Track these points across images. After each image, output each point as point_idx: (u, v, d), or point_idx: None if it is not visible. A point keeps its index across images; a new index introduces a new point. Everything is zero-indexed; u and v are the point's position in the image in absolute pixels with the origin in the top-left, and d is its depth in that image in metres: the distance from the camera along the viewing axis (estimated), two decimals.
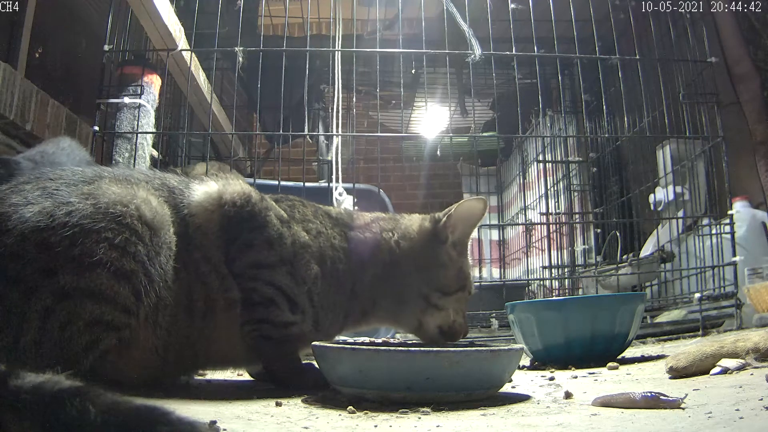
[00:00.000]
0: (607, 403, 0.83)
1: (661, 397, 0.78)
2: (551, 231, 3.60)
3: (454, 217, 1.18)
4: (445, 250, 1.19)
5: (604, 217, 3.69)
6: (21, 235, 0.87)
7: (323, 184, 2.70)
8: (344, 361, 0.94)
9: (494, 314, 2.38)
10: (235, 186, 1.11)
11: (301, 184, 2.28)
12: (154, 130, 2.28)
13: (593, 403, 0.85)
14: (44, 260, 0.87)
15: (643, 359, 1.51)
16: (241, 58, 2.24)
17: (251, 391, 1.13)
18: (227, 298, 1.06)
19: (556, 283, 3.71)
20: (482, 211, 1.19)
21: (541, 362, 1.52)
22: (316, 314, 1.14)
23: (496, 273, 4.62)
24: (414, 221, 1.23)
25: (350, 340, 2.20)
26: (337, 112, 2.57)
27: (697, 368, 1.08)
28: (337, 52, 2.69)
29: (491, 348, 1.02)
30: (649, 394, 0.79)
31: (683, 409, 0.77)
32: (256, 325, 1.08)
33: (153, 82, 2.28)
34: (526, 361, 1.59)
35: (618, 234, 3.24)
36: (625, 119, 2.64)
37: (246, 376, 1.38)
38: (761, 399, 0.76)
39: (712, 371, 1.06)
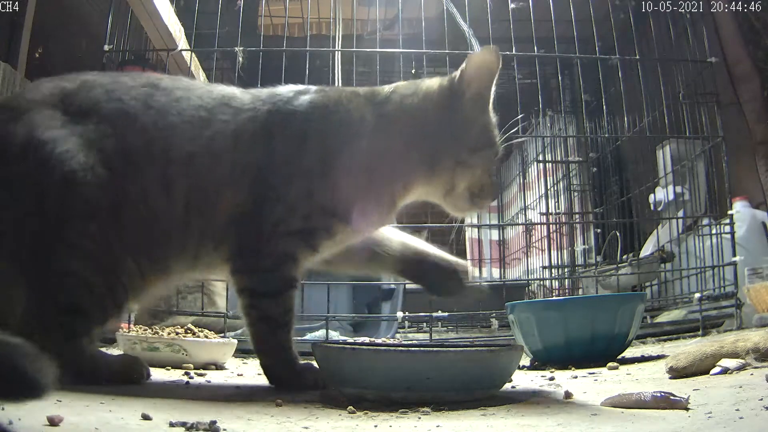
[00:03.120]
0: (617, 403, 0.82)
1: (671, 397, 0.78)
2: (551, 231, 3.60)
3: (468, 71, 1.18)
4: (463, 104, 1.18)
5: (604, 217, 3.69)
6: None
7: None
8: (344, 361, 0.94)
9: (494, 314, 2.38)
10: None
11: None
12: None
13: (603, 403, 0.84)
14: None
15: (643, 359, 1.51)
16: (241, 58, 2.24)
17: (251, 391, 1.13)
18: None
19: (556, 283, 3.72)
20: (495, 62, 1.18)
21: (541, 362, 1.52)
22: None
23: (496, 273, 4.62)
24: (434, 83, 1.22)
25: (350, 340, 2.21)
26: None
27: (697, 368, 1.08)
28: (337, 52, 2.69)
29: (491, 348, 1.02)
30: (658, 394, 0.79)
31: (686, 409, 0.77)
32: None
33: None
34: (526, 361, 1.59)
35: (618, 234, 3.24)
36: (625, 119, 2.64)
37: (246, 376, 1.38)
38: (761, 399, 0.76)
39: (712, 371, 1.06)
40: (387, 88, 1.22)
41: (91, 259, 1.00)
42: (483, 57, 1.17)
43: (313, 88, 1.20)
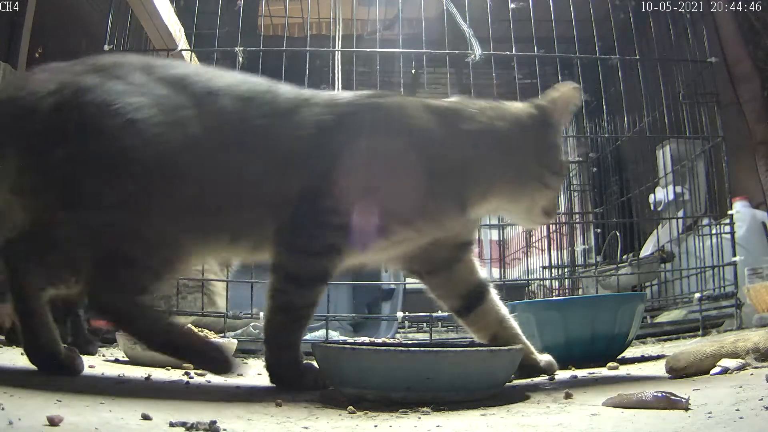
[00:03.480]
0: (617, 403, 0.82)
1: (672, 397, 0.78)
2: (551, 231, 3.60)
3: (558, 103, 1.28)
4: (550, 132, 1.28)
5: (604, 217, 3.69)
6: None
7: None
8: (345, 361, 0.94)
9: None
10: None
11: None
12: None
13: (604, 403, 0.84)
14: None
15: (643, 359, 1.51)
16: (241, 58, 2.24)
17: (251, 391, 1.13)
18: None
19: (556, 283, 3.72)
20: (577, 96, 1.30)
21: None
22: None
23: (496, 273, 4.62)
24: (521, 109, 1.29)
25: (350, 340, 2.21)
26: None
27: (697, 368, 1.07)
28: (337, 52, 2.69)
29: (491, 348, 1.02)
30: (660, 394, 0.79)
31: (686, 409, 0.77)
32: None
33: None
34: None
35: (618, 234, 3.24)
36: (625, 119, 2.64)
37: (246, 376, 1.38)
38: (761, 399, 0.76)
39: (712, 371, 1.06)
40: (458, 104, 1.29)
41: (164, 216, 1.05)
42: (570, 92, 1.29)
43: (389, 93, 1.32)
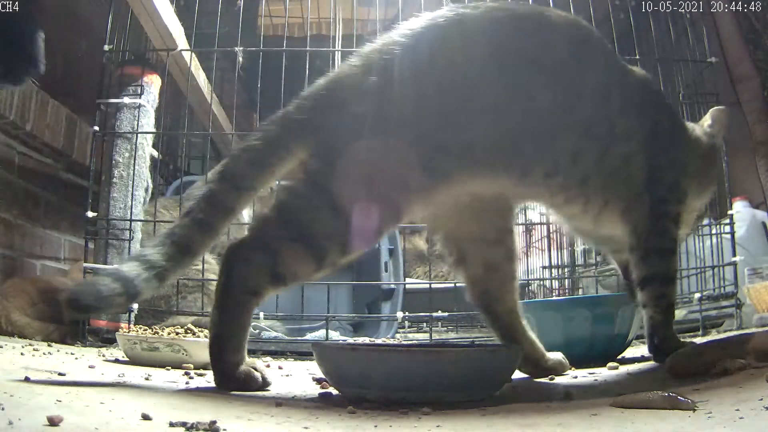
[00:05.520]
0: (624, 403, 0.82)
1: (679, 398, 0.78)
2: (551, 231, 3.60)
3: (723, 130, 1.46)
4: (717, 156, 1.48)
5: None
6: None
7: None
8: (344, 361, 0.94)
9: None
10: None
11: None
12: (154, 130, 2.28)
13: (611, 404, 0.84)
14: None
15: (643, 359, 1.51)
16: (241, 58, 2.24)
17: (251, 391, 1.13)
18: None
19: (556, 283, 3.71)
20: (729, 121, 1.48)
21: None
22: None
23: None
24: (698, 131, 1.42)
25: (350, 340, 2.21)
26: None
27: (697, 368, 1.07)
28: (337, 52, 2.68)
29: (491, 348, 1.02)
30: (666, 395, 0.79)
31: (694, 410, 0.76)
32: None
33: (153, 82, 2.28)
34: None
35: None
36: None
37: None
38: (761, 399, 0.76)
39: (712, 371, 1.06)
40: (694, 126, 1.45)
41: None
42: (724, 115, 1.46)
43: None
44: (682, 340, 1.28)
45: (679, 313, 2.39)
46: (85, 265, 2.05)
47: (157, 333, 1.55)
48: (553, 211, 1.34)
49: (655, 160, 1.24)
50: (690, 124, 1.45)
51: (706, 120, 1.47)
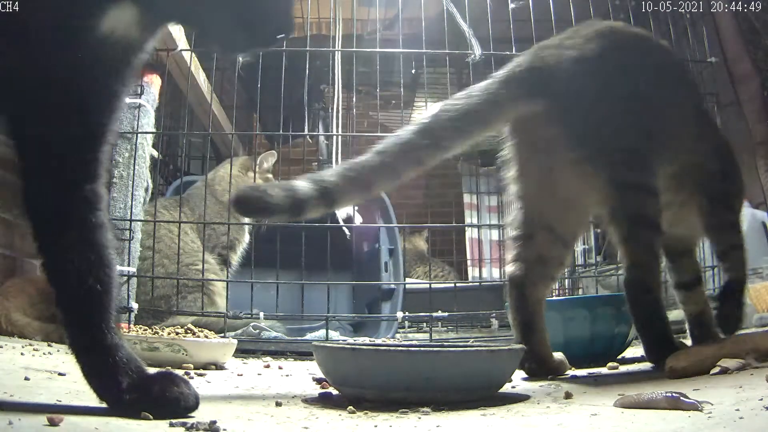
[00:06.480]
0: (628, 404, 0.82)
1: (683, 398, 0.78)
2: None
3: None
4: None
5: None
6: None
7: None
8: (344, 361, 0.94)
9: (494, 314, 2.38)
10: None
11: None
12: (154, 130, 2.28)
13: (615, 404, 0.84)
14: None
15: (643, 359, 1.50)
16: (241, 58, 2.24)
17: (251, 391, 1.13)
18: None
19: (556, 283, 3.71)
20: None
21: None
22: None
23: (496, 273, 4.61)
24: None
25: (350, 340, 2.21)
26: (337, 112, 2.57)
27: (697, 368, 1.07)
28: (337, 52, 2.69)
29: (491, 348, 1.02)
30: (670, 394, 0.79)
31: (697, 411, 0.76)
32: None
33: (153, 82, 2.28)
34: None
35: None
36: None
37: (246, 377, 1.38)
38: (761, 399, 0.76)
39: (712, 371, 1.06)
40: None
41: None
42: None
43: None
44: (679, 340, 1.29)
45: (679, 313, 2.38)
46: None
47: (157, 333, 1.55)
48: None
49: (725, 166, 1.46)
50: None
51: None
